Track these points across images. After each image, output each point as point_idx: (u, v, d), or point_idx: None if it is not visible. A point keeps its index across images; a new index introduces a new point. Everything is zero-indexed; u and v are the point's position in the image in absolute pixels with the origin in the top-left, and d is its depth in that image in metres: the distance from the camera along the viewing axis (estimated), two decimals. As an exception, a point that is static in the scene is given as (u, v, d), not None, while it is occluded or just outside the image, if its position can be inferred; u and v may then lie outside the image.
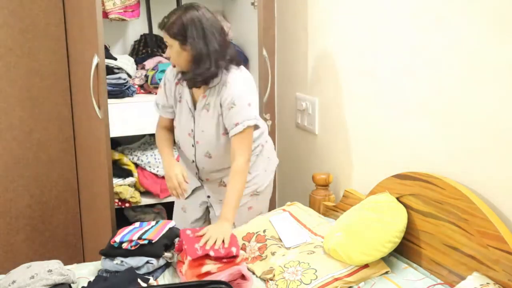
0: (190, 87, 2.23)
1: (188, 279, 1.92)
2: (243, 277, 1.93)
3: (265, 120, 2.82)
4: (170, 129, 2.41)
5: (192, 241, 2.00)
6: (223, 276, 1.89)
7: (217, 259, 1.96)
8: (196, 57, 2.13)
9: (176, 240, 2.14)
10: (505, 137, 1.66)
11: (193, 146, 2.32)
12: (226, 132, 2.24)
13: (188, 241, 2.01)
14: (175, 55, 2.15)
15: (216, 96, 2.20)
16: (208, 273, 1.93)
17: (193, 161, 2.36)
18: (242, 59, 2.58)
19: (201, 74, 2.14)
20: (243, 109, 2.17)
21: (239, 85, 2.19)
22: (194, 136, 2.30)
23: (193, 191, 2.46)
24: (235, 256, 1.98)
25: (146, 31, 3.00)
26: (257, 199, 2.42)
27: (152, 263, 2.01)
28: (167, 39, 2.14)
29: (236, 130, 2.16)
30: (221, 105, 2.19)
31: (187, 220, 2.50)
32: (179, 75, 2.24)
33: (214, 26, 2.15)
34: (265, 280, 2.01)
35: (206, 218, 2.52)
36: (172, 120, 2.39)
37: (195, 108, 2.27)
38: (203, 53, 2.12)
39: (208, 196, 2.43)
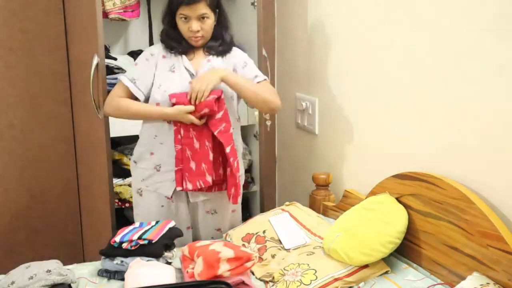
0: (213, 54, 2.34)
1: (202, 277, 1.87)
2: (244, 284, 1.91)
3: (265, 120, 2.81)
4: None
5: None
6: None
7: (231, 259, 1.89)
8: (226, 26, 2.35)
9: (175, 241, 2.13)
10: (505, 137, 1.66)
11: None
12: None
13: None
14: (209, 26, 2.26)
15: (222, 61, 2.33)
16: (221, 276, 1.87)
17: None
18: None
19: (230, 41, 2.36)
20: (254, 66, 2.41)
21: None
22: None
23: None
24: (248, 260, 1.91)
25: (146, 31, 3.00)
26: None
27: (152, 263, 2.01)
28: (203, 9, 2.20)
29: (259, 78, 2.35)
30: (234, 68, 2.36)
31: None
32: (186, 46, 2.31)
33: None
34: (265, 281, 2.01)
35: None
36: (135, 98, 2.32)
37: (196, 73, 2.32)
38: (228, 21, 2.36)
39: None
